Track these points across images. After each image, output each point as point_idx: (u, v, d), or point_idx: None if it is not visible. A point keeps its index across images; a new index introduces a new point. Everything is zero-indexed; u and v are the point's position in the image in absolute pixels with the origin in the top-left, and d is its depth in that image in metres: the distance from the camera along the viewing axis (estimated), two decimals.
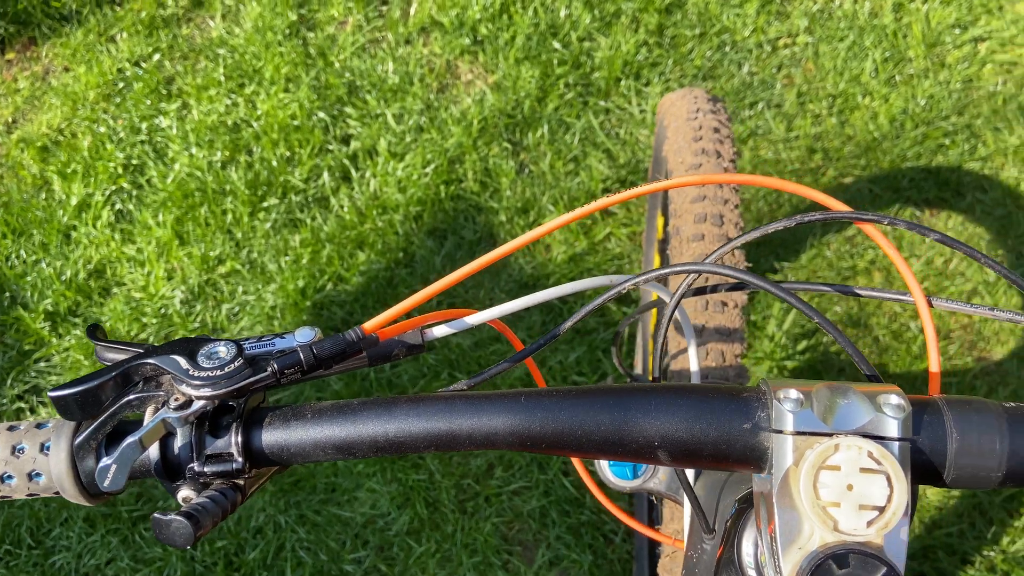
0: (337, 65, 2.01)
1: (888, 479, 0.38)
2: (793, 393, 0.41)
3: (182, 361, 0.45)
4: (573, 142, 1.88)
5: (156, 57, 2.06)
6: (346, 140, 1.91)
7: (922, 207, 1.75)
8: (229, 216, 1.81)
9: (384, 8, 2.11)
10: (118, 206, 1.85)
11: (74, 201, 1.85)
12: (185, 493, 0.44)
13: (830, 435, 0.40)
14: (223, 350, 0.45)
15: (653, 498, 0.81)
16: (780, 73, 1.96)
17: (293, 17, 2.08)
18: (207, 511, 0.41)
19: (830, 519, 0.38)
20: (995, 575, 1.37)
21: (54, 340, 1.70)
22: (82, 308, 1.74)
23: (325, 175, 1.84)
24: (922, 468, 0.42)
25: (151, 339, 1.69)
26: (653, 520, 1.35)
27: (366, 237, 1.76)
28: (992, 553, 1.40)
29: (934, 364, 0.50)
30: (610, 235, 1.77)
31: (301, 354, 0.45)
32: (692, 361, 0.56)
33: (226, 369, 0.44)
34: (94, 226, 1.82)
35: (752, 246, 1.74)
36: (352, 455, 0.44)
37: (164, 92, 2.02)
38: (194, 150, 1.89)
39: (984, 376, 1.56)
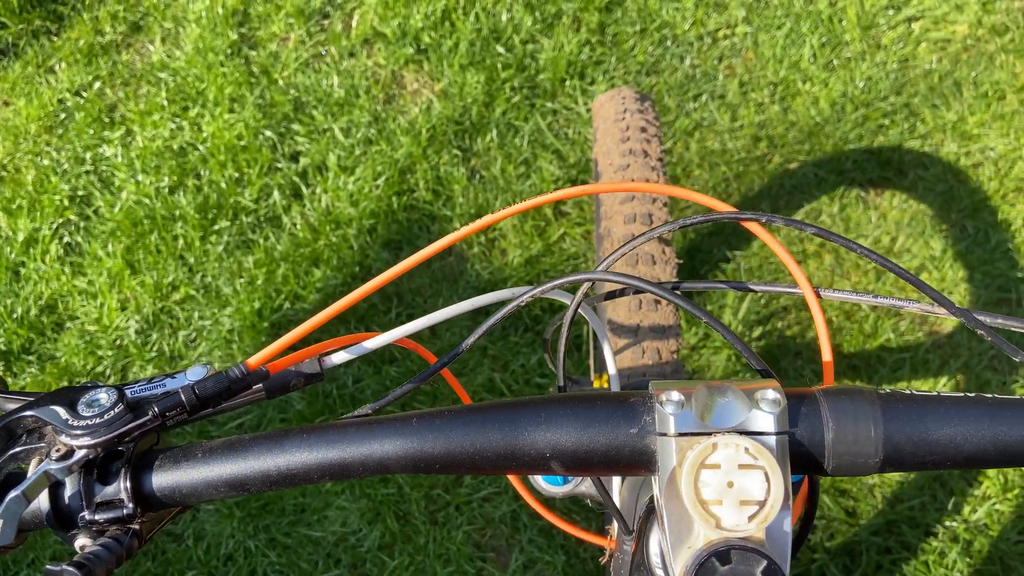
0: (281, 82, 1.99)
1: (765, 474, 0.39)
2: (675, 395, 0.42)
3: (61, 411, 0.45)
4: (523, 145, 1.89)
5: (97, 85, 2.04)
6: (295, 157, 1.90)
7: (867, 187, 1.78)
8: (180, 241, 1.79)
9: (326, 22, 2.10)
10: (66, 239, 1.83)
11: (21, 237, 1.82)
12: (81, 542, 0.44)
13: (710, 434, 0.41)
14: (104, 397, 0.45)
15: (588, 501, 0.82)
16: (721, 64, 1.98)
17: (234, 36, 2.07)
18: (99, 559, 0.41)
19: (712, 517, 0.39)
20: (957, 544, 1.40)
21: (9, 380, 1.67)
22: (36, 345, 1.71)
23: (276, 194, 1.83)
24: (802, 459, 0.43)
25: (108, 372, 1.67)
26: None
27: (321, 253, 1.75)
28: (954, 523, 1.43)
29: (826, 353, 0.52)
30: (565, 235, 1.78)
31: (183, 395, 0.45)
32: (609, 364, 0.57)
33: (106, 416, 0.44)
34: (43, 261, 1.79)
35: (706, 236, 1.76)
36: (246, 491, 0.45)
37: (107, 120, 1.99)
38: (140, 177, 1.87)
39: (936, 349, 1.59)
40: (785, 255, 0.56)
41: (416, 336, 1.62)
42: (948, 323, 1.62)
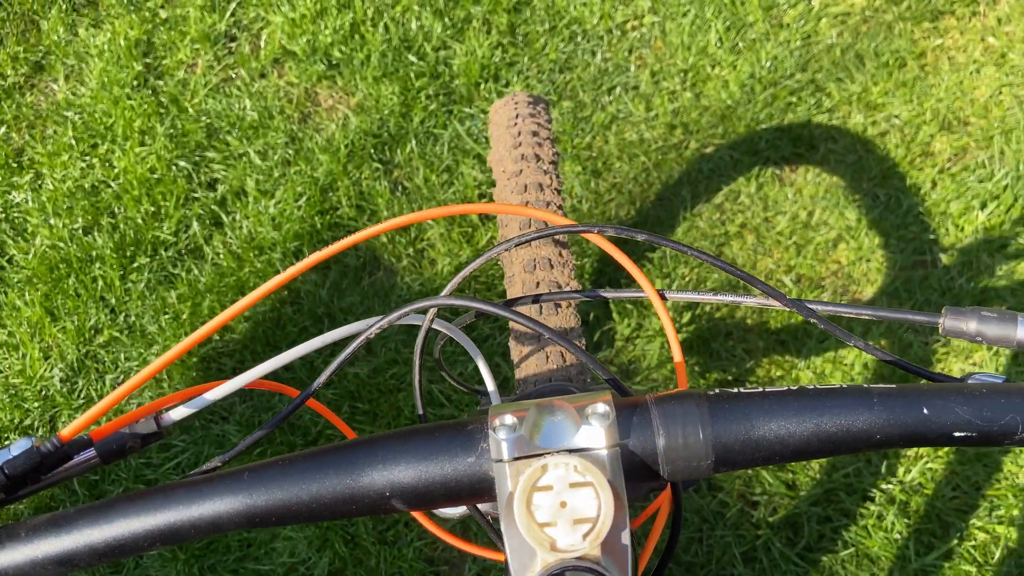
0: (192, 110, 1.96)
1: (595, 490, 0.39)
2: (508, 419, 0.42)
3: None
4: (443, 152, 1.88)
5: (1, 130, 1.97)
6: (212, 185, 1.87)
7: (781, 165, 1.82)
8: (100, 283, 1.74)
9: (233, 45, 2.07)
10: None
11: None
12: None
13: (542, 455, 0.41)
14: None
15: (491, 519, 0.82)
16: (632, 55, 2.00)
17: (139, 67, 2.02)
18: None
19: (547, 539, 0.39)
20: (894, 505, 1.44)
21: None
22: None
23: (195, 224, 1.80)
24: (639, 469, 0.43)
25: (36, 424, 1.62)
26: None
27: (246, 281, 1.73)
28: (890, 486, 1.47)
29: (676, 355, 0.53)
30: (493, 239, 1.78)
31: None
32: (487, 381, 0.57)
33: None
34: None
35: (629, 226, 1.77)
36: (76, 566, 0.44)
37: (15, 165, 1.93)
38: (53, 220, 1.82)
39: (859, 320, 1.63)
40: (627, 262, 0.57)
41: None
42: (868, 290, 1.67)
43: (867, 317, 0.55)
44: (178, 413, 0.50)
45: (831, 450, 0.42)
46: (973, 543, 1.41)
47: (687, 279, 1.69)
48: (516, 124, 1.02)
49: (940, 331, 0.53)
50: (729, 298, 0.57)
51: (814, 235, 1.72)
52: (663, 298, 0.56)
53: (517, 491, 0.40)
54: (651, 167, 1.85)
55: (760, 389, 0.44)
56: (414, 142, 1.89)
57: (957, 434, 0.42)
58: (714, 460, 0.42)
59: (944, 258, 1.67)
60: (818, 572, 1.40)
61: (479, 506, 0.58)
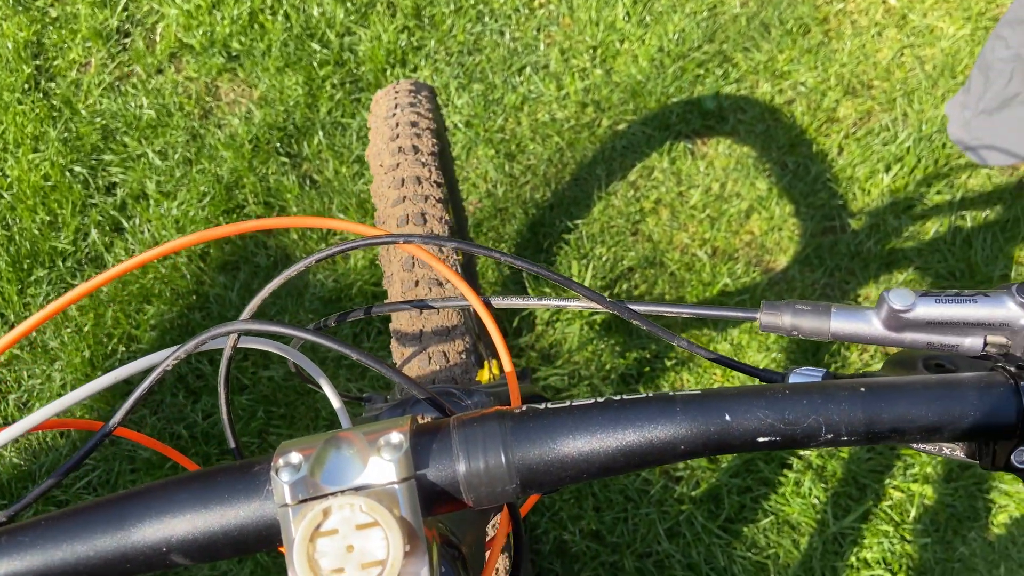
0: (85, 112, 1.87)
1: (383, 529, 0.37)
2: (293, 457, 0.38)
3: None
4: (352, 142, 1.83)
5: None
6: (110, 189, 1.79)
7: (692, 138, 1.82)
8: None
9: (127, 40, 1.98)
10: None
11: None
12: None
13: (326, 496, 0.38)
14: None
15: None
16: (541, 34, 1.97)
17: (29, 70, 1.92)
18: None
19: None
20: (811, 471, 1.46)
21: None
22: None
23: (94, 232, 1.72)
24: (440, 498, 0.40)
25: None
26: None
27: (151, 288, 1.66)
28: (806, 452, 1.49)
29: (507, 364, 0.51)
30: None
31: None
32: (333, 399, 0.54)
33: None
34: None
35: (547, 210, 1.76)
36: None
37: None
38: None
39: (772, 286, 1.64)
40: (447, 271, 0.55)
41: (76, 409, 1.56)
42: (781, 258, 1.68)
43: (687, 315, 0.53)
44: None
45: (638, 463, 0.40)
46: (890, 503, 1.44)
47: (605, 258, 1.68)
48: (395, 114, 0.99)
49: (759, 327, 0.51)
50: (554, 302, 0.55)
51: (727, 207, 1.72)
52: (489, 306, 0.54)
53: (297, 539, 0.37)
54: (564, 147, 1.83)
55: (567, 404, 0.42)
56: (321, 133, 1.84)
57: (761, 439, 0.40)
58: (519, 483, 0.40)
59: (852, 223, 1.69)
60: (740, 542, 1.42)
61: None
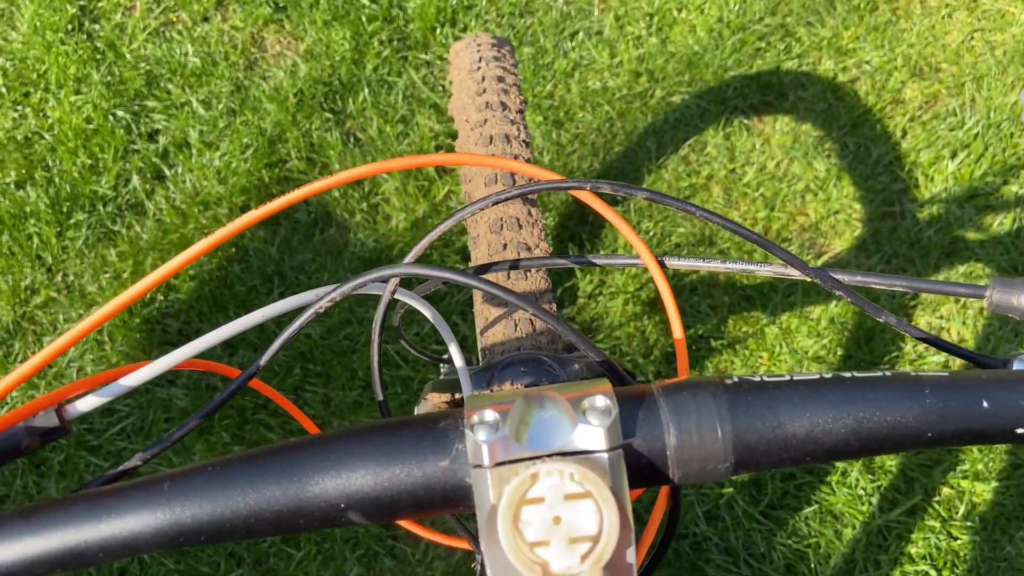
0: (130, 56, 1.84)
1: (596, 502, 0.33)
2: (488, 414, 0.35)
3: None
4: (398, 102, 1.79)
5: None
6: (153, 136, 1.76)
7: (749, 114, 1.76)
8: (35, 240, 1.65)
9: None
10: None
11: None
12: None
13: (531, 459, 0.34)
14: None
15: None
16: None
17: (73, 10, 1.89)
18: None
19: (538, 562, 0.32)
20: (859, 462, 1.42)
21: None
22: None
23: (135, 178, 1.70)
24: (645, 472, 0.36)
25: None
26: None
27: (191, 239, 1.64)
28: None
29: (677, 330, 0.47)
30: (451, 193, 1.70)
31: None
32: (456, 359, 0.50)
33: None
34: None
35: (594, 178, 1.71)
36: None
37: None
38: None
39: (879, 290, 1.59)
40: (623, 225, 0.50)
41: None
42: (836, 243, 1.62)
43: (900, 289, 0.48)
44: (86, 403, 0.42)
45: (874, 448, 0.36)
46: (938, 498, 1.40)
47: (652, 233, 1.64)
48: (480, 68, 0.94)
49: (986, 306, 0.45)
50: (740, 266, 0.50)
51: (782, 187, 1.67)
52: (663, 267, 0.49)
53: (502, 505, 0.33)
54: (615, 116, 1.77)
55: (787, 377, 0.37)
56: (367, 91, 1.80)
57: (1020, 430, 0.36)
58: (733, 462, 0.35)
59: (913, 209, 1.64)
60: (781, 529, 1.38)
61: None
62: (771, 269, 0.50)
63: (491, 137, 0.88)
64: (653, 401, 0.36)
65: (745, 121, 1.75)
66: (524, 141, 0.89)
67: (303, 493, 0.36)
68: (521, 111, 0.92)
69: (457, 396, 0.85)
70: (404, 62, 1.84)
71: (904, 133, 1.71)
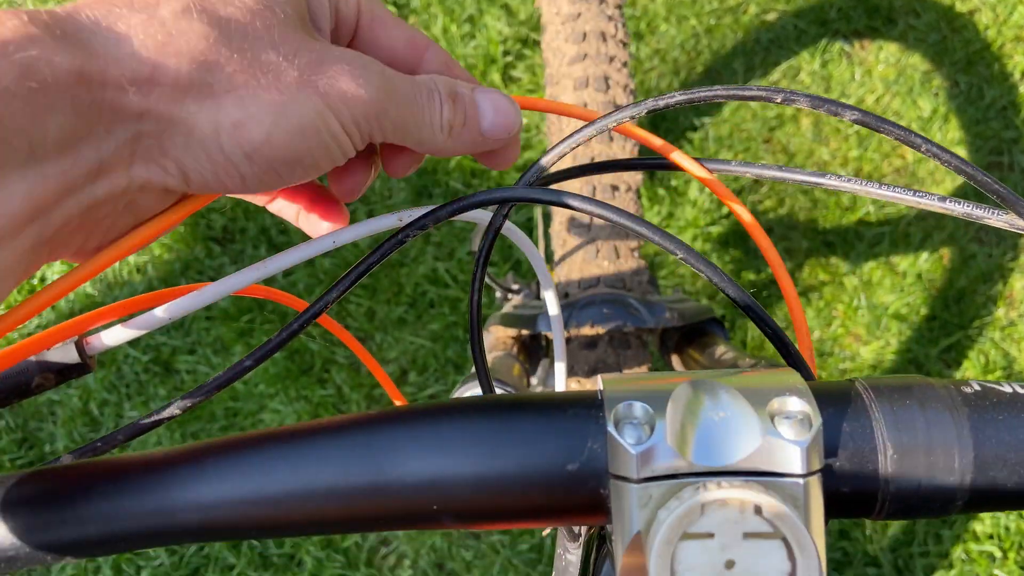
0: None
1: (788, 548, 0.23)
2: (637, 409, 0.25)
3: None
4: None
5: None
6: None
7: (851, 40, 1.59)
8: None
9: None
10: None
11: None
12: None
13: (696, 476, 0.24)
14: None
15: None
16: None
17: None
18: None
19: None
20: None
21: None
22: None
23: None
24: (844, 504, 0.26)
25: None
26: None
27: None
28: None
29: (789, 288, 0.37)
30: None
31: None
32: (550, 305, 0.41)
33: None
34: None
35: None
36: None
37: None
38: None
39: (919, 222, 1.46)
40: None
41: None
42: (936, 191, 1.48)
43: None
44: (113, 336, 0.34)
45: None
46: None
47: None
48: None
49: None
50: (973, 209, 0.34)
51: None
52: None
53: (656, 541, 0.23)
54: (701, 33, 1.62)
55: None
56: None
57: None
58: (967, 500, 0.26)
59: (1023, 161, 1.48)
60: None
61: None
62: (1006, 218, 0.34)
63: (584, 34, 0.77)
64: (863, 408, 0.27)
65: (846, 47, 1.59)
66: (621, 41, 0.78)
67: (382, 477, 0.27)
68: (620, 6, 0.80)
69: (524, 333, 0.77)
70: None
71: (1023, 75, 1.54)
